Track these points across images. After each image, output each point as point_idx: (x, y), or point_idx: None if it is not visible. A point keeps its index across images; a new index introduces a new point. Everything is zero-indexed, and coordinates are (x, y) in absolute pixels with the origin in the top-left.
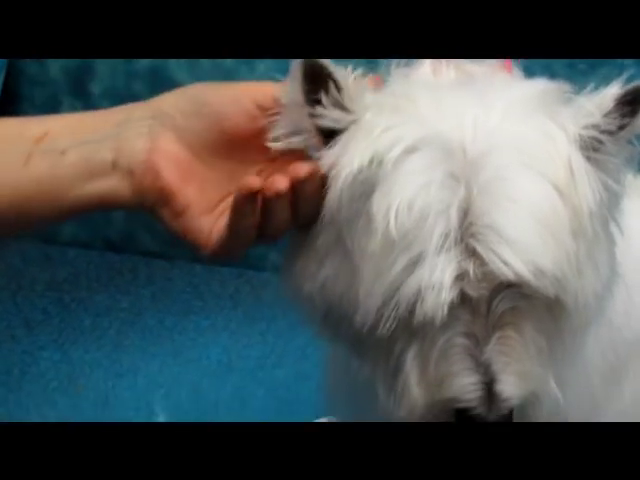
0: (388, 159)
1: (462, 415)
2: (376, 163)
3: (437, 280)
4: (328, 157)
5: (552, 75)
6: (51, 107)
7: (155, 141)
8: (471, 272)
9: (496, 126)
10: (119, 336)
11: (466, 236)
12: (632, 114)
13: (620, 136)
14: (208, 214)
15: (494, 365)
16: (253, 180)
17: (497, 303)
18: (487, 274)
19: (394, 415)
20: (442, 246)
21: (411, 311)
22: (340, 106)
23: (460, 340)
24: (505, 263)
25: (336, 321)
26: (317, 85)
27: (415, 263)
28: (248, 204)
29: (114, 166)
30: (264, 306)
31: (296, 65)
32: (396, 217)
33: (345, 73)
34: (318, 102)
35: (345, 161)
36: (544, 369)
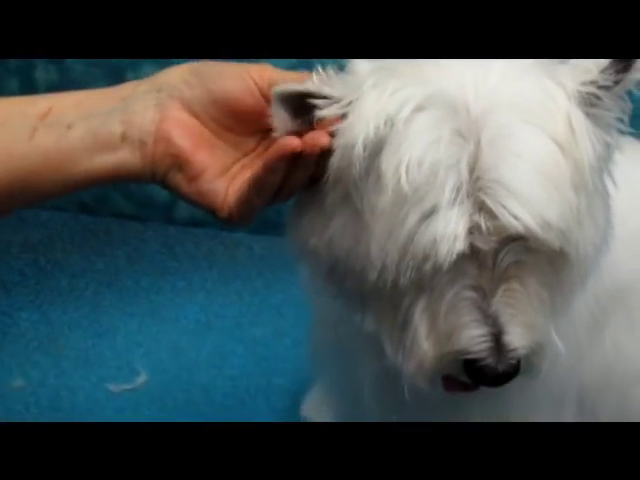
0: (399, 119)
1: (471, 366)
2: (388, 124)
3: (452, 231)
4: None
5: None
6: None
7: (164, 111)
8: (483, 225)
9: (496, 85)
10: (96, 297)
11: (475, 190)
12: (625, 69)
13: (615, 91)
14: (222, 177)
15: (501, 317)
16: (292, 140)
17: (502, 257)
18: (497, 227)
19: (402, 369)
20: (455, 199)
21: (424, 262)
22: (333, 101)
23: (468, 293)
24: (515, 217)
25: (342, 276)
26: (302, 107)
27: (429, 215)
28: (282, 162)
29: (123, 139)
30: (239, 266)
31: (275, 99)
32: (407, 173)
33: (314, 80)
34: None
35: (358, 126)
36: (547, 320)
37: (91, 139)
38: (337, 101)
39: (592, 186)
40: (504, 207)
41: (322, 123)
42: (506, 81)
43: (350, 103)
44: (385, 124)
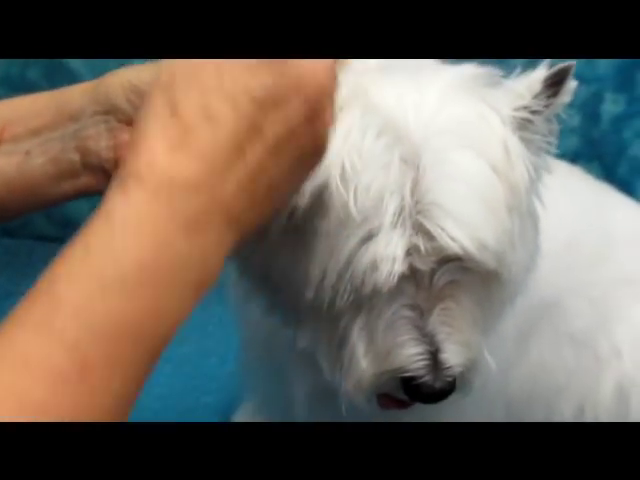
0: (362, 150)
1: (409, 384)
2: (356, 157)
3: (391, 253)
4: None
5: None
6: None
7: (117, 137)
8: (422, 247)
9: (434, 111)
10: None
11: (415, 213)
12: (555, 94)
13: (545, 115)
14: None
15: (438, 335)
16: None
17: (439, 277)
18: (435, 248)
19: (339, 386)
20: (396, 222)
21: (363, 285)
22: None
23: (406, 312)
24: (452, 238)
25: (275, 288)
26: None
27: (369, 238)
28: None
29: (84, 166)
30: None
31: None
32: (356, 197)
33: None
34: None
35: (331, 166)
36: (479, 337)
37: (53, 167)
38: None
39: (525, 208)
40: (442, 229)
41: None
42: (443, 107)
43: None
44: (357, 157)
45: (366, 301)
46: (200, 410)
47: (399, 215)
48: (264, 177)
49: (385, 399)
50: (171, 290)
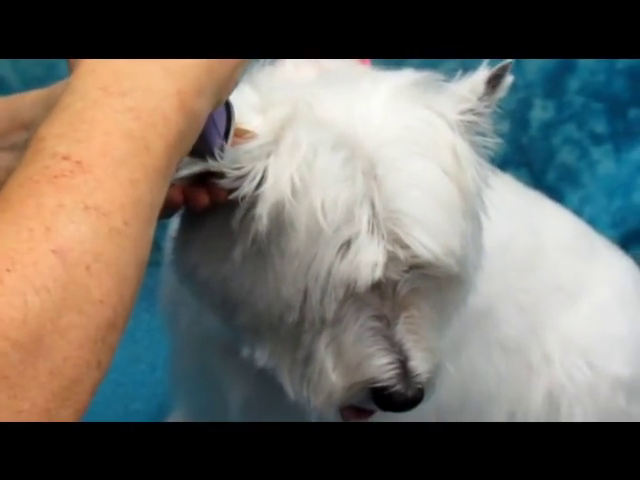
0: (316, 166)
1: (380, 394)
2: (308, 173)
3: (372, 258)
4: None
5: (399, 64)
6: None
7: None
8: (400, 255)
9: (381, 121)
10: None
11: (384, 220)
12: (493, 92)
13: (487, 113)
14: None
15: (406, 344)
16: (176, 196)
17: (401, 285)
18: (408, 257)
19: (307, 404)
20: (372, 230)
21: (346, 290)
22: (240, 175)
23: (373, 323)
24: (424, 246)
25: (233, 311)
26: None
27: (347, 245)
28: None
29: None
30: None
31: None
32: (324, 213)
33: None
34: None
35: (282, 185)
36: (440, 342)
37: (4, 177)
38: (245, 174)
39: (476, 211)
40: (413, 236)
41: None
42: (389, 116)
43: (265, 169)
44: (306, 172)
45: (332, 316)
46: (129, 418)
47: (373, 223)
48: None
49: (348, 411)
50: (140, 96)
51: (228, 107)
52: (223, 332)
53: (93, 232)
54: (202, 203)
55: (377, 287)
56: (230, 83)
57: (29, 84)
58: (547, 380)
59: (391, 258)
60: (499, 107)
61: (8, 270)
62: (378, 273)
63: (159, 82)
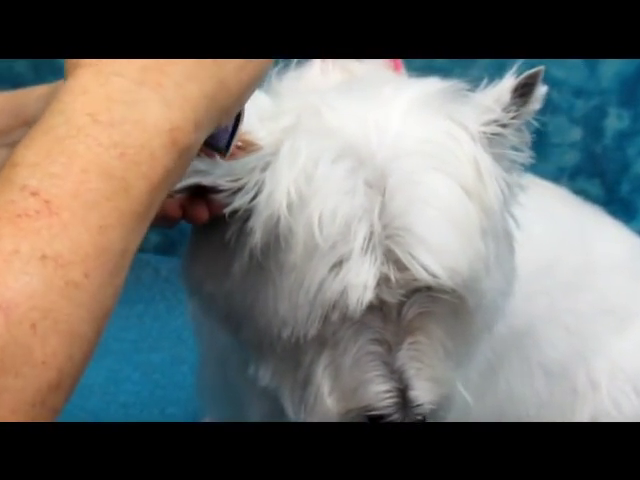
0: (316, 176)
1: (376, 422)
2: (307, 184)
3: (362, 280)
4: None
5: (432, 69)
6: None
7: None
8: (392, 277)
9: (398, 131)
10: None
11: (384, 239)
12: (524, 103)
13: (516, 125)
14: None
15: (407, 372)
16: (175, 211)
17: (407, 309)
18: (405, 279)
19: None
20: (366, 248)
21: (334, 312)
22: (235, 189)
23: (373, 347)
24: (423, 266)
25: (238, 326)
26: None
27: (339, 264)
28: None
29: None
30: (143, 288)
31: None
32: (320, 226)
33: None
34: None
35: (278, 196)
36: (453, 372)
37: None
38: (241, 187)
39: (500, 229)
40: (413, 256)
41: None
42: (408, 126)
43: (258, 182)
44: (304, 184)
45: (330, 337)
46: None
47: (369, 241)
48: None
49: None
50: (130, 129)
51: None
52: (235, 346)
53: (46, 285)
54: (201, 217)
55: (379, 309)
56: (234, 109)
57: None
58: (592, 406)
59: (385, 280)
60: (571, 116)
61: None
62: (368, 296)
63: (154, 114)
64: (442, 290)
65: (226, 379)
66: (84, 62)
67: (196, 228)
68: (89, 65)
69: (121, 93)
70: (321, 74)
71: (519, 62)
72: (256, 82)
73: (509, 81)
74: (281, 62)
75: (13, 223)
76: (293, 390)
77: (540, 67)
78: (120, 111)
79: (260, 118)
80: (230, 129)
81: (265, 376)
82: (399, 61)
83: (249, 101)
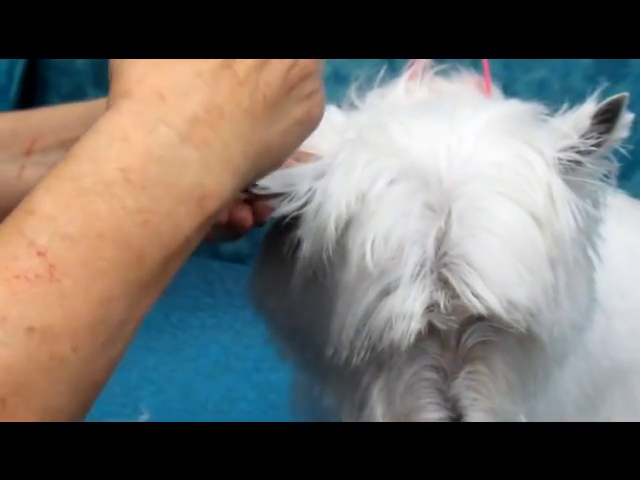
0: (371, 194)
1: None
2: (359, 200)
3: (408, 309)
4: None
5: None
6: (76, 97)
7: None
8: (441, 304)
9: (471, 154)
10: None
11: (440, 266)
12: (608, 130)
13: (598, 154)
14: None
15: (462, 401)
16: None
17: (467, 336)
18: (457, 307)
19: None
20: (416, 275)
21: (380, 341)
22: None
23: (428, 374)
24: (476, 296)
25: (301, 345)
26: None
27: (388, 291)
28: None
29: None
30: None
31: None
32: (372, 249)
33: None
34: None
35: (328, 206)
36: (514, 404)
37: None
38: (291, 195)
39: (573, 261)
40: (467, 285)
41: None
42: (481, 150)
43: (310, 190)
44: (357, 200)
45: (387, 360)
46: None
47: (420, 268)
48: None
49: None
50: (160, 194)
51: None
52: (303, 367)
53: (27, 359)
54: (246, 223)
55: (437, 334)
56: (271, 172)
57: None
58: None
59: (437, 307)
60: None
61: None
62: (415, 325)
63: (190, 178)
64: (500, 321)
65: (313, 404)
66: (136, 95)
67: (260, 245)
68: (140, 101)
69: (163, 148)
70: (406, 93)
71: (602, 87)
72: (296, 147)
73: (589, 107)
74: (361, 77)
75: (9, 285)
76: (351, 411)
77: (624, 93)
78: (155, 171)
79: (328, 132)
80: None
81: (328, 396)
82: (490, 82)
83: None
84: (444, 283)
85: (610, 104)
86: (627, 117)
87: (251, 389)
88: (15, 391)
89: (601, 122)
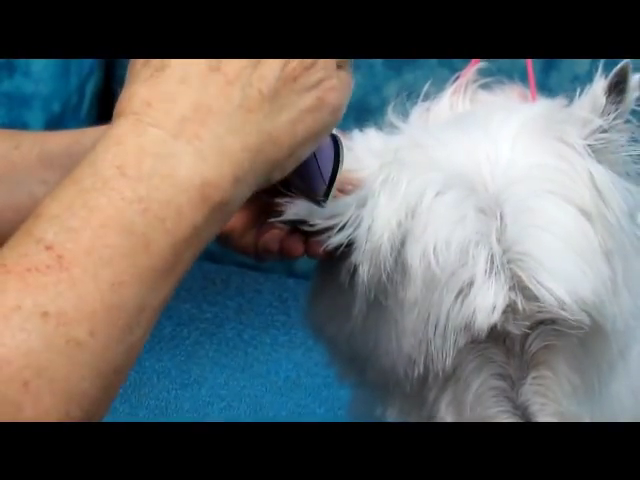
0: (421, 208)
1: None
2: (409, 216)
3: (490, 302)
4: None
5: None
6: None
7: None
8: (519, 305)
9: (510, 159)
10: (195, 346)
11: (508, 262)
12: (622, 98)
13: (618, 122)
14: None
15: (531, 407)
16: (273, 244)
17: (531, 342)
18: (532, 308)
19: None
20: (490, 271)
21: (465, 335)
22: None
23: (495, 382)
24: (549, 291)
25: (363, 368)
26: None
27: (466, 290)
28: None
29: None
30: None
31: None
32: (436, 256)
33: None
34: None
35: (379, 229)
36: (580, 406)
37: None
38: (340, 224)
39: (629, 246)
40: (538, 281)
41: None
42: (518, 153)
43: (357, 217)
44: (407, 217)
45: (454, 371)
46: None
47: (491, 263)
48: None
49: None
50: (157, 184)
51: (337, 147)
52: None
53: (44, 343)
54: (296, 252)
55: (502, 342)
56: (287, 163)
57: None
58: None
59: (513, 309)
60: None
61: None
62: (495, 317)
63: (185, 168)
64: (564, 321)
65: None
66: (128, 110)
67: (315, 273)
68: (131, 114)
69: (155, 145)
70: (450, 108)
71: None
72: (317, 136)
73: (599, 84)
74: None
75: (21, 277)
76: None
77: (625, 61)
78: (150, 164)
79: (367, 158)
80: (320, 172)
81: (392, 416)
82: (534, 90)
83: (363, 140)
84: (517, 280)
85: (618, 74)
86: (635, 79)
87: (320, 405)
88: (37, 374)
89: (615, 94)
